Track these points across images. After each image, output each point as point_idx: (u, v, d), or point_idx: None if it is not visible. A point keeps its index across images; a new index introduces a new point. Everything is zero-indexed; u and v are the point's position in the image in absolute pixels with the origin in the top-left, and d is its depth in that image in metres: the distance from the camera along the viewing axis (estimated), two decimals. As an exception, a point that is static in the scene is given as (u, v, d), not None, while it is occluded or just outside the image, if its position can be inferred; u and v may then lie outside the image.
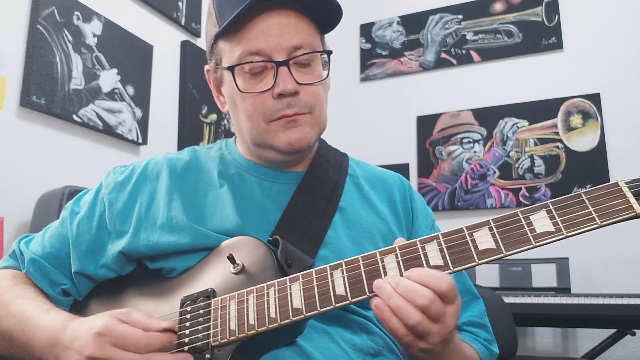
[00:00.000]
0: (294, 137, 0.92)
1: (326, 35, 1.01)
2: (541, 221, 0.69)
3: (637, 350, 2.67)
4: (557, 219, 0.68)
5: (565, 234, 0.67)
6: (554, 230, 0.68)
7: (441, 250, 0.72)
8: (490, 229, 0.71)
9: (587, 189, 0.69)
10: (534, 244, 0.68)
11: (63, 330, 0.78)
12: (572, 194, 0.69)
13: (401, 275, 0.72)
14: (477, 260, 0.70)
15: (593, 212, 0.67)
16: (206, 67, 1.03)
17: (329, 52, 0.97)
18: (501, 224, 0.71)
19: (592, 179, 2.89)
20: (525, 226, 0.69)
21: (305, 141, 0.93)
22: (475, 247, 0.70)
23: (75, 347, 0.74)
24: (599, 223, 0.66)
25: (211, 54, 0.99)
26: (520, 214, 0.70)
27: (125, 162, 1.09)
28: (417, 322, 0.68)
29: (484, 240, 0.70)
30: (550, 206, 0.69)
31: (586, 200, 0.68)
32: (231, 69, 0.92)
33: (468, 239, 0.71)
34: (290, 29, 0.90)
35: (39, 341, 0.81)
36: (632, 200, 0.66)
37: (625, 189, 0.67)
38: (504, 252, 0.69)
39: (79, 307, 0.96)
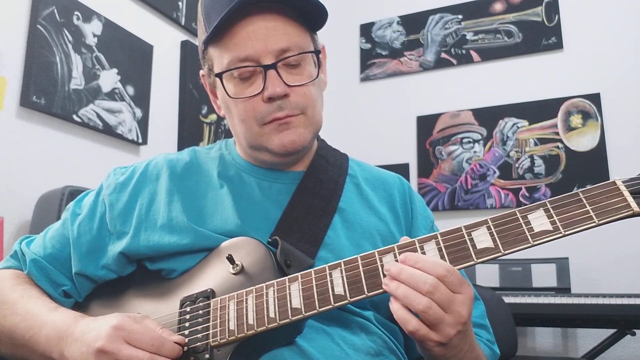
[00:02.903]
0: (287, 139, 0.92)
1: (326, 36, 1.01)
2: (539, 220, 0.69)
3: (637, 350, 2.67)
4: (555, 218, 0.68)
5: (563, 232, 0.68)
6: (551, 229, 0.68)
7: (439, 250, 0.72)
8: (489, 228, 0.71)
9: (585, 188, 0.69)
10: (531, 242, 0.68)
11: (74, 325, 0.80)
12: (569, 193, 0.70)
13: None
14: (475, 259, 0.70)
15: (590, 211, 0.67)
16: (201, 72, 1.03)
17: (317, 52, 0.97)
18: (499, 223, 0.71)
19: (592, 179, 2.89)
20: (523, 225, 0.70)
21: (299, 143, 0.93)
22: (474, 246, 0.71)
23: (85, 340, 0.75)
24: (597, 222, 0.67)
25: (203, 60, 0.99)
26: (518, 213, 0.71)
27: (125, 162, 1.09)
28: (426, 306, 0.68)
29: (482, 239, 0.70)
30: (548, 205, 0.70)
31: (584, 199, 0.68)
32: (219, 76, 0.93)
33: (466, 238, 0.71)
34: (277, 32, 0.90)
35: (44, 336, 0.82)
36: (630, 199, 0.66)
37: (623, 188, 0.67)
38: (502, 251, 0.69)
39: (79, 309, 0.96)
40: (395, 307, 0.71)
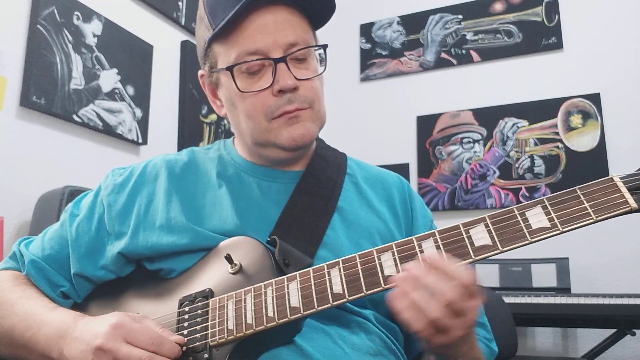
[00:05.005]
0: (296, 132, 0.92)
1: (326, 36, 1.02)
2: (537, 217, 0.69)
3: (637, 350, 2.67)
4: (553, 215, 0.68)
5: (560, 229, 0.67)
6: (549, 225, 0.68)
7: (437, 247, 0.72)
8: (486, 226, 0.71)
9: (583, 185, 0.69)
10: (529, 239, 0.68)
11: (74, 324, 0.80)
12: (567, 190, 0.69)
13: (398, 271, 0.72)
14: (473, 257, 0.70)
15: (588, 207, 0.67)
16: (200, 72, 1.03)
17: (325, 46, 0.98)
18: (497, 220, 0.71)
19: (592, 179, 2.81)
20: (521, 222, 0.69)
21: (308, 136, 0.93)
22: (472, 243, 0.71)
23: (84, 339, 0.76)
24: (594, 218, 0.67)
25: (205, 58, 0.99)
26: (516, 210, 0.71)
27: (125, 162, 1.09)
28: (438, 317, 0.67)
29: (480, 236, 0.70)
30: (546, 202, 0.70)
31: (581, 196, 0.68)
32: (230, 69, 0.92)
33: (464, 235, 0.71)
34: (285, 26, 0.91)
35: (44, 335, 0.82)
36: (627, 195, 0.66)
37: (620, 184, 0.67)
38: (500, 248, 0.69)
39: (78, 309, 0.96)
40: (402, 306, 0.69)
